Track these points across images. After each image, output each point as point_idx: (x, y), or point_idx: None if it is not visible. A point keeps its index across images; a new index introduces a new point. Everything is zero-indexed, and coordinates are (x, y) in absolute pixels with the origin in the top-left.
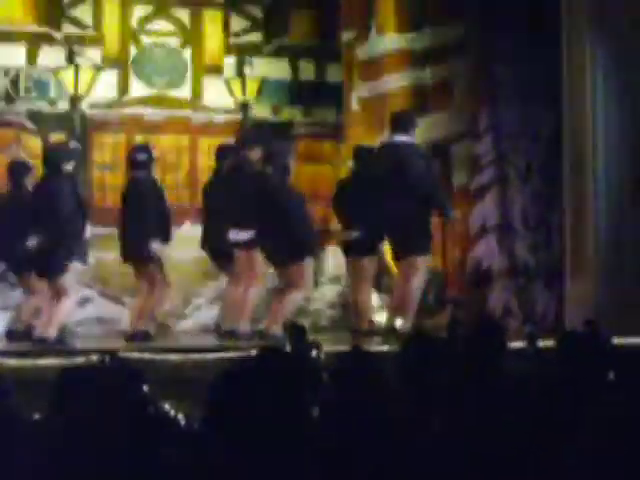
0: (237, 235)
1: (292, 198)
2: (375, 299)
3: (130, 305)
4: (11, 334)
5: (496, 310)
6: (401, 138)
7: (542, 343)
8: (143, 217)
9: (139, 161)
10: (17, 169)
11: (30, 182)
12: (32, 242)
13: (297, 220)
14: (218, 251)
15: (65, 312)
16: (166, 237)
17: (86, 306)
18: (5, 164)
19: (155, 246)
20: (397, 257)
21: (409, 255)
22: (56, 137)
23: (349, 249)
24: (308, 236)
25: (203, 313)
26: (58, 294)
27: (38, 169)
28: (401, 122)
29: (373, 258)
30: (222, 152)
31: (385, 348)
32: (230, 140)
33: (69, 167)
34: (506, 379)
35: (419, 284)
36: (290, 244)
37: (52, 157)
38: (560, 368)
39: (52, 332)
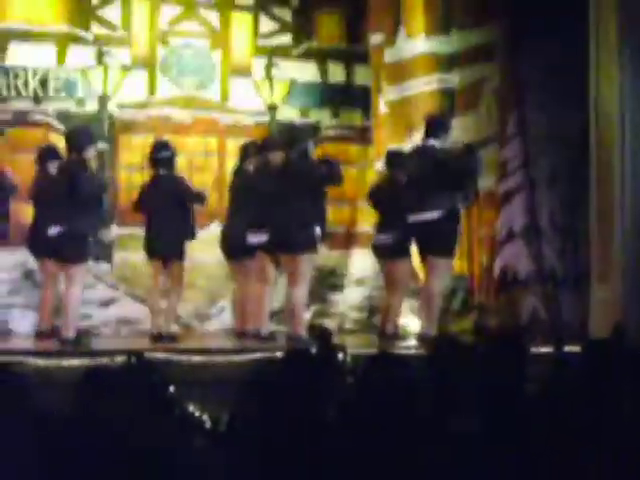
0: (255, 237)
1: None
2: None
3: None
4: (39, 334)
5: (523, 315)
6: (434, 142)
7: (568, 348)
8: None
9: (161, 158)
10: (44, 154)
11: (56, 167)
12: (53, 231)
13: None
14: (235, 251)
15: (75, 304)
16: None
17: (111, 306)
18: (33, 163)
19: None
20: (422, 260)
21: (432, 257)
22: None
23: (382, 252)
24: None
25: (228, 314)
26: (69, 281)
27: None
28: (434, 126)
29: (405, 261)
30: (245, 152)
31: (411, 352)
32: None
33: (90, 152)
34: (530, 384)
35: (440, 288)
36: (303, 235)
37: (72, 141)
38: (586, 374)
39: (71, 332)
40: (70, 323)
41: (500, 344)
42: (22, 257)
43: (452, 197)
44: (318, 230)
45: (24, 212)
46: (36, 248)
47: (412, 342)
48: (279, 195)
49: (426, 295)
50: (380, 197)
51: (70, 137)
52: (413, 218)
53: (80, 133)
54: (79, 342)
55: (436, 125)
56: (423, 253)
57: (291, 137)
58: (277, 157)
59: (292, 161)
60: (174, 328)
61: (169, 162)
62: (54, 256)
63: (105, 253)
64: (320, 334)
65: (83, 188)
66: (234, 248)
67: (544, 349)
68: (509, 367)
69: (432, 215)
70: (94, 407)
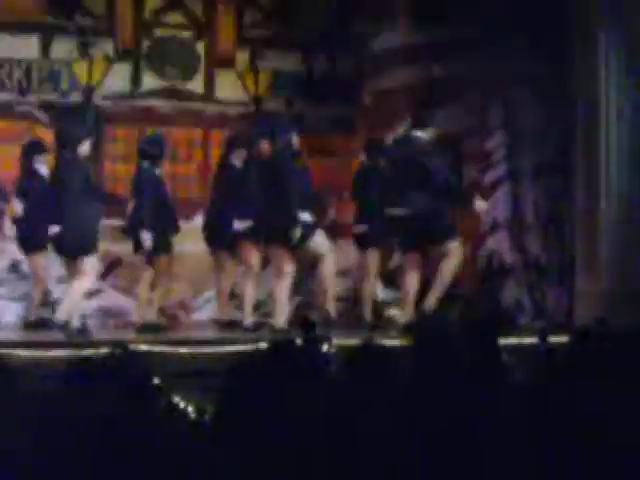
0: (240, 224)
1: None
2: (386, 293)
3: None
4: (27, 324)
5: (507, 306)
6: (420, 134)
7: (553, 339)
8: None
9: (149, 153)
10: (30, 149)
11: (43, 162)
12: (53, 230)
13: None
14: (221, 241)
15: (79, 293)
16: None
17: (96, 298)
18: (17, 155)
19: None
20: (404, 251)
21: (414, 249)
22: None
23: (358, 242)
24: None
25: (214, 306)
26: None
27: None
28: (421, 118)
29: (376, 251)
30: (230, 144)
31: (396, 342)
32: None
33: (85, 147)
34: (513, 375)
35: (416, 278)
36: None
37: (65, 135)
38: (572, 364)
39: (61, 315)
40: (67, 303)
41: (471, 332)
42: (6, 248)
43: (434, 193)
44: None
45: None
46: (29, 244)
47: (396, 332)
48: (267, 186)
49: (405, 285)
50: (359, 187)
51: (63, 131)
52: (394, 212)
53: (73, 127)
54: (84, 331)
55: (423, 117)
56: (406, 245)
57: (274, 128)
58: (265, 148)
59: (278, 152)
60: (160, 319)
61: (153, 157)
62: (60, 253)
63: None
64: (304, 325)
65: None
66: (220, 238)
67: (528, 339)
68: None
69: (411, 211)
70: (79, 399)
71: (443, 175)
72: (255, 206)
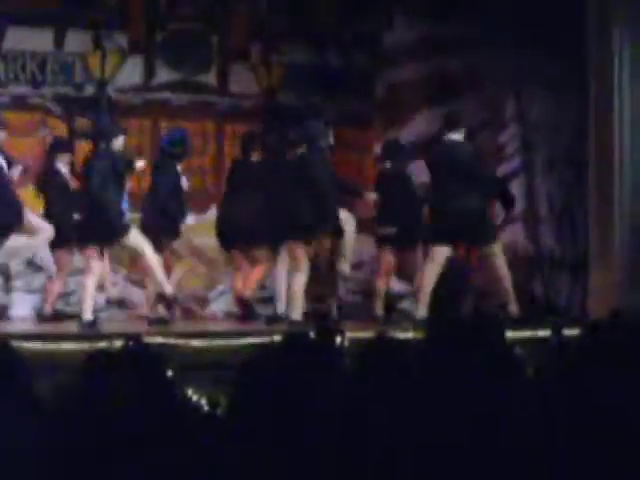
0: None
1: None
2: (399, 287)
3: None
4: (40, 316)
5: (521, 299)
6: (454, 136)
7: (567, 332)
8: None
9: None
10: (54, 147)
11: (65, 161)
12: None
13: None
14: (243, 239)
15: (90, 289)
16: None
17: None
18: (31, 147)
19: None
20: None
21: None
22: (82, 122)
23: (383, 241)
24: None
25: (227, 298)
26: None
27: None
28: (452, 120)
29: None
30: (248, 142)
31: (409, 335)
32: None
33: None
34: (524, 368)
35: (432, 273)
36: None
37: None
38: (585, 357)
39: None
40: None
41: (478, 326)
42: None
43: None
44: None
45: (22, 196)
46: (55, 240)
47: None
48: (294, 183)
49: (419, 280)
50: (384, 191)
51: (97, 127)
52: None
53: (108, 124)
54: (94, 325)
55: (454, 118)
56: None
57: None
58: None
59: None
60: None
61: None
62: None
63: None
64: (318, 318)
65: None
66: (242, 236)
67: (542, 332)
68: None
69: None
70: (92, 391)
71: (485, 174)
72: (276, 203)
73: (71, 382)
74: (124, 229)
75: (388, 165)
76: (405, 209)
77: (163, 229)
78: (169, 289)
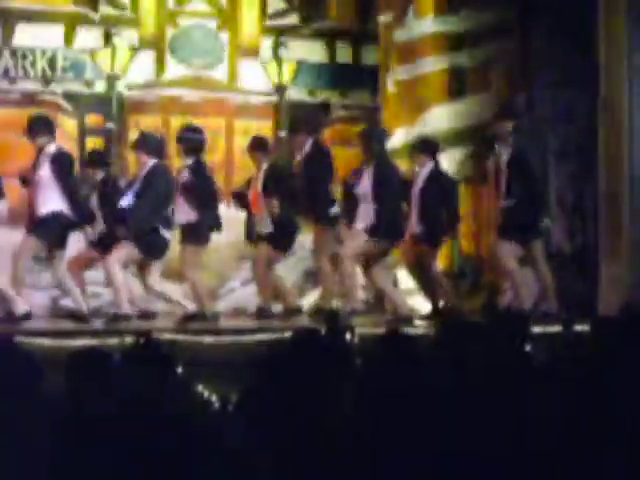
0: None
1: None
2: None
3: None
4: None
5: (531, 294)
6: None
7: (577, 327)
8: None
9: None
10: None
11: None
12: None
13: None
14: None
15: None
16: None
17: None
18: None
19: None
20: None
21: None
22: (92, 118)
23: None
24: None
25: (237, 295)
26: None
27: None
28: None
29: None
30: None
31: (419, 332)
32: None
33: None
34: (536, 363)
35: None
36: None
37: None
38: (595, 353)
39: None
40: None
41: (500, 322)
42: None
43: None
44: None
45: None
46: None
47: (420, 322)
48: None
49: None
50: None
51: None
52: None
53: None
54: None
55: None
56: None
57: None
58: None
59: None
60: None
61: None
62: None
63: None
64: (328, 314)
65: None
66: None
67: (552, 328)
68: (509, 345)
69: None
70: (101, 387)
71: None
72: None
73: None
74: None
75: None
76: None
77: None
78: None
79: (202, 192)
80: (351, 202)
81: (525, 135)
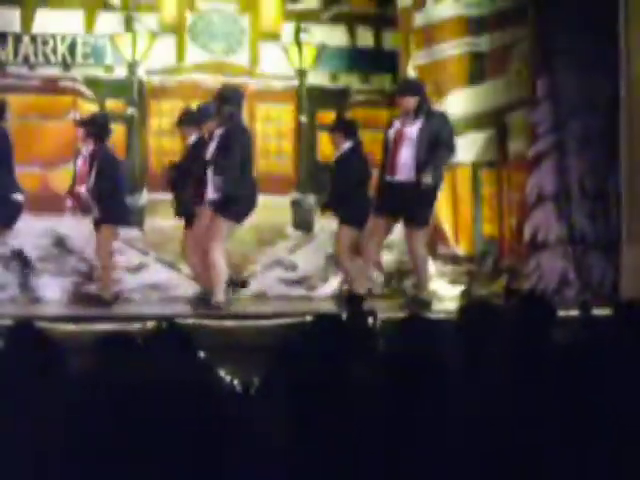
0: None
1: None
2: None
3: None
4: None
5: (553, 279)
6: None
7: (598, 312)
8: None
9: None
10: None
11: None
12: None
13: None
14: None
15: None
16: None
17: (141, 272)
18: (62, 130)
19: None
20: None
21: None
22: (113, 104)
23: None
24: None
25: (258, 280)
26: None
27: None
28: None
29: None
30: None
31: (441, 316)
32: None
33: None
34: (557, 348)
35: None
36: None
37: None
38: (616, 338)
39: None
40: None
41: (527, 305)
42: (52, 224)
43: None
44: None
45: (55, 179)
46: None
47: (442, 306)
48: None
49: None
50: None
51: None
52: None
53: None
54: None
55: None
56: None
57: None
58: None
59: None
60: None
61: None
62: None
63: (136, 219)
64: (350, 299)
65: None
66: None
67: (573, 312)
68: (536, 328)
69: None
70: (123, 372)
71: None
72: None
73: (100, 363)
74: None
75: None
76: None
77: None
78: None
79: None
80: None
81: None
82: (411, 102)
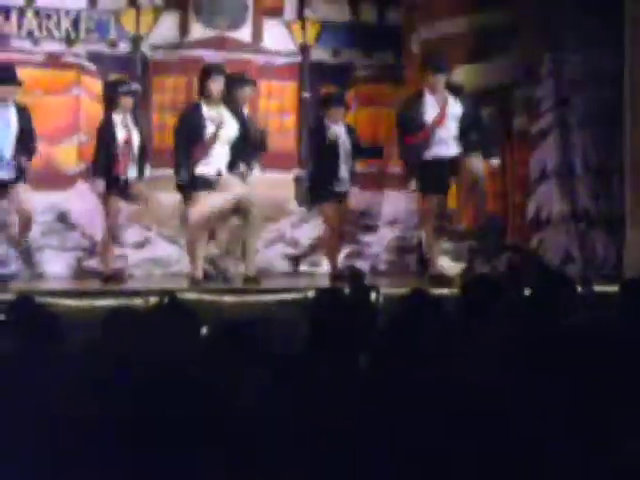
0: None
1: None
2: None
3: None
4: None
5: (556, 255)
6: None
7: (601, 288)
8: None
9: None
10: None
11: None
12: None
13: None
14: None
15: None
16: None
17: (144, 248)
18: (66, 104)
19: None
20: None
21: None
22: (116, 77)
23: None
24: None
25: (261, 255)
26: None
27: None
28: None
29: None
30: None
31: (445, 292)
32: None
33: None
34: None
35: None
36: None
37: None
38: (621, 315)
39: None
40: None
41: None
42: (55, 199)
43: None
44: None
45: (58, 154)
46: None
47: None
48: None
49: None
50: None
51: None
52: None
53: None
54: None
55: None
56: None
57: None
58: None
59: None
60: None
61: None
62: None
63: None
64: (353, 274)
65: None
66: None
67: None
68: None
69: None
70: (125, 347)
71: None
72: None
73: (102, 337)
74: None
75: None
76: None
77: None
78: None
79: None
80: None
81: None
82: (442, 80)
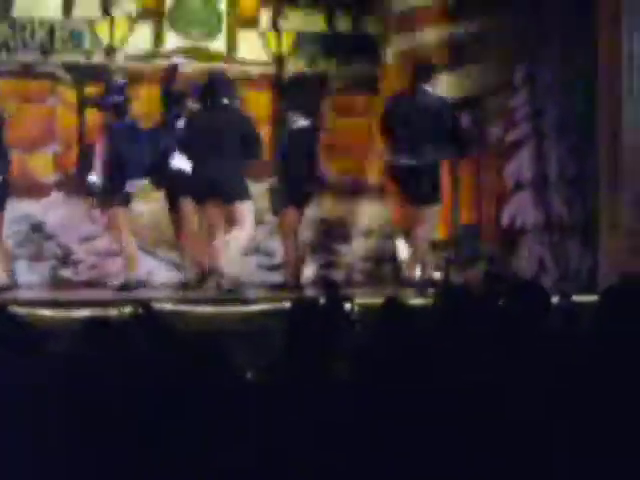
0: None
1: None
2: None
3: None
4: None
5: (530, 265)
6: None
7: (576, 298)
8: None
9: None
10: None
11: None
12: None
13: None
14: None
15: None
16: None
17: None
18: (41, 114)
19: None
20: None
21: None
22: (92, 89)
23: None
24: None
25: (236, 266)
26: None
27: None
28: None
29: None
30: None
31: (419, 301)
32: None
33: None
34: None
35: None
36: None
37: None
38: (600, 325)
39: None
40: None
41: (522, 291)
42: (29, 209)
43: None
44: None
45: (34, 163)
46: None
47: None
48: None
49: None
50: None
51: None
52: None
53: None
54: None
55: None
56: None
57: None
58: None
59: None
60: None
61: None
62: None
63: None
64: (327, 285)
65: None
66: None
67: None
68: (531, 315)
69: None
70: (99, 358)
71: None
72: None
73: (77, 348)
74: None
75: None
76: None
77: None
78: None
79: None
80: None
81: None
82: (429, 88)
